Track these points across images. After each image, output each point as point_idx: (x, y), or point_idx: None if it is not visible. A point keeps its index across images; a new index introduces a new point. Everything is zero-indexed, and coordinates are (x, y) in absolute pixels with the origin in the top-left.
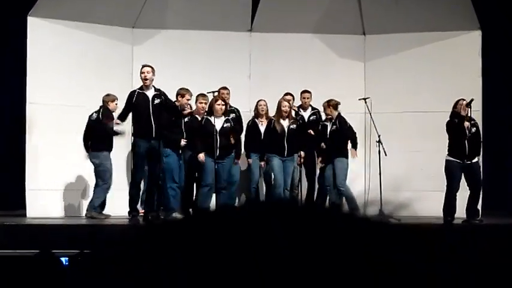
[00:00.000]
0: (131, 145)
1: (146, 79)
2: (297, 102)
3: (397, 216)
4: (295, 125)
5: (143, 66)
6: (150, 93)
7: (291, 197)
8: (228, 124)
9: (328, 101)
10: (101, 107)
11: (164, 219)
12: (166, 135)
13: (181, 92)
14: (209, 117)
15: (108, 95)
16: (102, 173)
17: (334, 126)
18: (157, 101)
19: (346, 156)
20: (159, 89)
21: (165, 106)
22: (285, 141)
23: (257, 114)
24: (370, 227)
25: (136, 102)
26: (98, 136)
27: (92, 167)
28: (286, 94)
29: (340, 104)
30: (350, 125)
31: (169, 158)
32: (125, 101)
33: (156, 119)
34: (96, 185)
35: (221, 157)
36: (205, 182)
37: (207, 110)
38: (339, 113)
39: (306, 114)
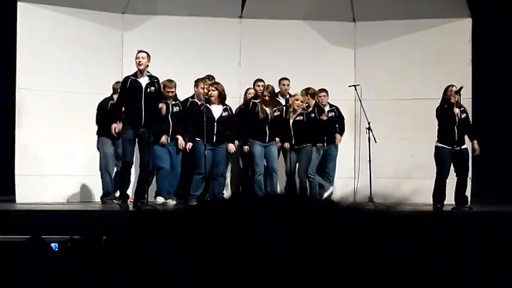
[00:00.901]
0: (120, 132)
1: (140, 64)
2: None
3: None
4: (279, 112)
5: (138, 51)
6: (144, 80)
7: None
8: (226, 113)
9: (306, 90)
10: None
11: (155, 207)
12: (156, 124)
13: (163, 83)
14: (208, 105)
15: (118, 82)
16: (100, 158)
17: (313, 115)
18: (150, 89)
19: (315, 145)
20: (153, 76)
21: (157, 94)
22: (267, 127)
23: (246, 101)
24: (362, 217)
25: (129, 89)
26: (101, 121)
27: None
28: (258, 80)
29: (316, 92)
30: (333, 116)
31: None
32: (120, 89)
33: (147, 107)
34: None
35: (217, 144)
36: (200, 170)
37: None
38: (316, 102)
39: (284, 101)
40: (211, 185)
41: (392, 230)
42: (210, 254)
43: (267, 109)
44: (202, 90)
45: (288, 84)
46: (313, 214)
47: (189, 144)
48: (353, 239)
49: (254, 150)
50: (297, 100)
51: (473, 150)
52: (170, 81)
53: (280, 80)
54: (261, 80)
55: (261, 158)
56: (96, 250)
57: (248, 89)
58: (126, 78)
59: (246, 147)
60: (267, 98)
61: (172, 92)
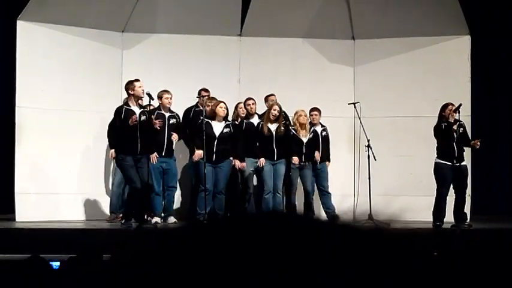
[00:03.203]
0: (116, 161)
1: (144, 91)
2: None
3: (387, 222)
4: (283, 128)
5: (137, 80)
6: (137, 109)
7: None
8: (228, 129)
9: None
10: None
11: (155, 226)
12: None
13: (159, 94)
14: (210, 121)
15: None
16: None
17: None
18: (143, 117)
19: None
20: (148, 93)
21: (149, 123)
22: (274, 145)
23: (237, 117)
24: (361, 235)
25: (124, 119)
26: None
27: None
28: (248, 99)
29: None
30: (326, 135)
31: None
32: (113, 118)
33: (142, 135)
34: None
35: (218, 161)
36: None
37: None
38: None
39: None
40: (212, 202)
41: (391, 247)
42: (210, 272)
43: (272, 126)
44: (166, 100)
45: (316, 115)
46: (313, 232)
47: (196, 155)
48: (353, 257)
49: (263, 169)
50: (300, 116)
51: (474, 145)
52: (166, 91)
53: (310, 110)
54: (252, 99)
55: (269, 176)
56: (96, 268)
57: (238, 103)
58: (120, 108)
59: (243, 165)
60: (276, 113)
61: (171, 100)
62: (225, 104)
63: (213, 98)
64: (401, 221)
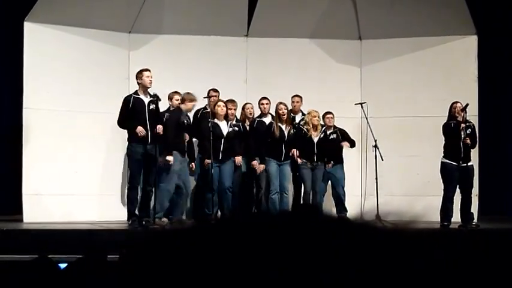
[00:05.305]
0: (126, 150)
1: (151, 83)
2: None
3: (396, 222)
4: (294, 130)
5: (147, 70)
6: (146, 98)
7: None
8: (232, 129)
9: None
10: None
11: (163, 226)
12: (161, 140)
13: (169, 95)
14: (216, 121)
15: (175, 92)
16: None
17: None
18: (152, 106)
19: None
20: (155, 94)
21: (157, 112)
22: (283, 146)
23: (245, 118)
24: (371, 235)
25: (132, 107)
26: None
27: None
28: (263, 98)
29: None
30: (334, 138)
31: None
32: (121, 107)
33: (152, 124)
34: None
35: (224, 160)
36: (210, 187)
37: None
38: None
39: (297, 118)
40: (219, 200)
41: (400, 248)
42: (217, 272)
43: (283, 127)
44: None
45: (298, 102)
46: (323, 231)
47: (207, 161)
48: (363, 257)
49: (269, 169)
50: (314, 117)
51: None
52: (177, 92)
53: (292, 97)
54: (266, 98)
55: (276, 176)
56: (104, 269)
57: (245, 104)
58: (129, 97)
59: (254, 163)
60: (284, 111)
61: (195, 103)
62: (224, 102)
63: (232, 101)
64: (410, 222)
